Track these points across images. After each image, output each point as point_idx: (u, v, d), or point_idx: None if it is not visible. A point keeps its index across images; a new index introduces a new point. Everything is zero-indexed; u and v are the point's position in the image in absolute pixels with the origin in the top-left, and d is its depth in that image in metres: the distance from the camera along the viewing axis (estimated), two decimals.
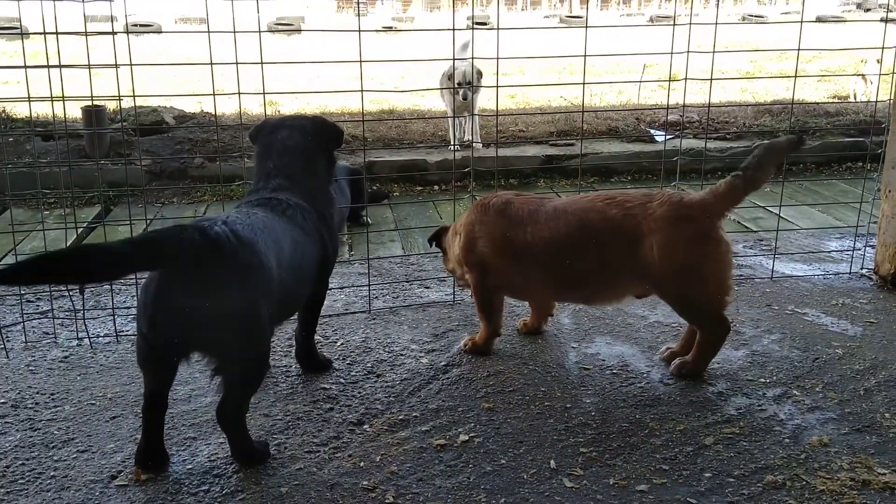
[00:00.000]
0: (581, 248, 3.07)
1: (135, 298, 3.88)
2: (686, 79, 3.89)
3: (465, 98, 6.73)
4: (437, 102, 8.64)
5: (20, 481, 2.50)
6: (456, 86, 6.65)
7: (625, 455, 2.64)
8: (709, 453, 2.65)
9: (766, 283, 4.20)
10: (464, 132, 7.13)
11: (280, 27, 17.62)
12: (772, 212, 5.57)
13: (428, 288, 4.20)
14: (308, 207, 2.89)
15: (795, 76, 4.17)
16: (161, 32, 15.51)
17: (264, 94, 3.65)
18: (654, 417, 2.87)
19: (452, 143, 6.83)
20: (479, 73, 6.90)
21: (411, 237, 5.24)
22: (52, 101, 3.41)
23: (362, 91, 3.73)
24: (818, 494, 2.43)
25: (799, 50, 4.04)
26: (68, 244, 4.61)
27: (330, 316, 3.75)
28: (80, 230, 4.98)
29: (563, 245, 3.09)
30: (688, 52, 3.79)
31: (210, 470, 2.56)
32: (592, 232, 3.05)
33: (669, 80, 4.08)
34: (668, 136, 7.01)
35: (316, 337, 3.30)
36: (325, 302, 3.28)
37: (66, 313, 3.74)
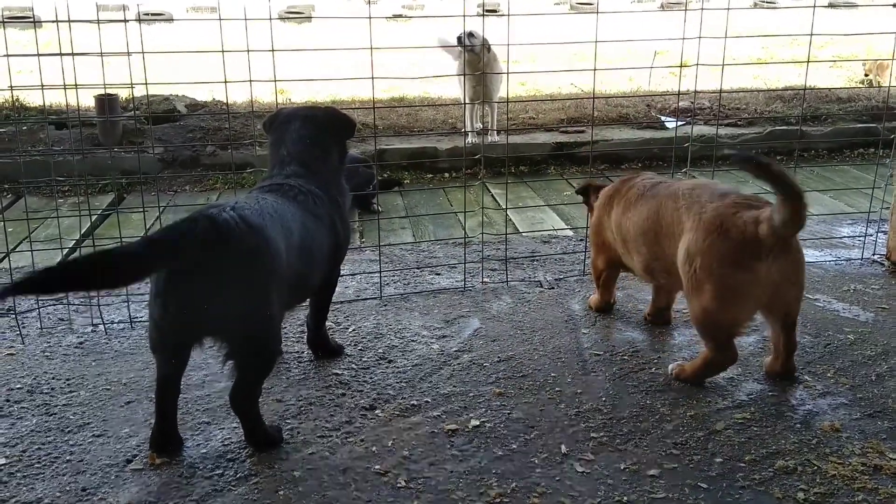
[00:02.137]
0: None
1: (147, 285, 3.90)
2: (697, 64, 3.87)
3: (471, 50, 6.52)
4: (448, 90, 8.63)
5: (36, 465, 2.54)
6: (457, 42, 6.53)
7: (636, 440, 2.65)
8: (720, 438, 2.66)
9: None
10: (481, 120, 7.07)
11: (291, 15, 17.60)
12: None
13: (439, 274, 4.21)
14: (320, 193, 2.90)
15: (808, 61, 4.15)
16: (172, 21, 15.52)
17: (275, 81, 3.65)
18: (664, 403, 2.88)
19: (470, 129, 6.79)
20: (488, 43, 6.73)
21: (422, 224, 5.25)
22: (65, 89, 3.43)
23: (373, 78, 3.73)
24: (830, 479, 2.43)
25: (812, 35, 4.01)
26: (82, 232, 4.65)
27: (341, 302, 3.77)
28: (93, 218, 5.02)
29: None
30: (699, 37, 3.77)
31: (224, 454, 2.58)
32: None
33: (681, 66, 4.06)
34: (679, 123, 6.97)
35: (328, 323, 3.32)
36: (337, 288, 3.30)
37: (81, 300, 3.78)
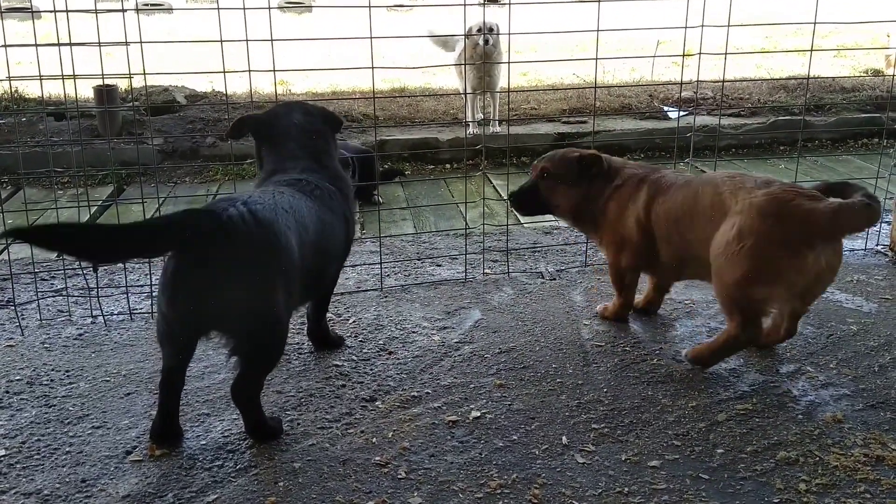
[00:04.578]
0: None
1: (148, 277, 3.90)
2: (700, 53, 3.84)
3: (486, 42, 6.51)
4: (449, 80, 8.59)
5: (36, 457, 2.53)
6: (476, 33, 6.49)
7: (637, 431, 2.64)
8: (721, 429, 2.64)
9: None
10: (483, 111, 7.03)
11: (291, 5, 17.53)
12: None
13: (440, 266, 4.20)
14: (333, 189, 2.90)
15: (812, 50, 4.11)
16: (172, 11, 15.47)
17: (275, 71, 3.63)
18: (666, 394, 2.87)
19: (472, 119, 6.75)
20: (497, 26, 6.69)
21: (423, 216, 5.24)
22: (62, 79, 3.41)
23: (373, 68, 3.70)
24: (832, 470, 2.42)
25: (815, 24, 3.98)
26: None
27: (342, 294, 3.76)
28: (93, 209, 5.01)
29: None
30: (702, 26, 3.74)
31: (224, 445, 2.58)
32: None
33: (683, 56, 4.03)
34: (682, 113, 6.94)
35: (328, 314, 3.31)
36: (338, 280, 3.29)
37: (81, 291, 3.77)
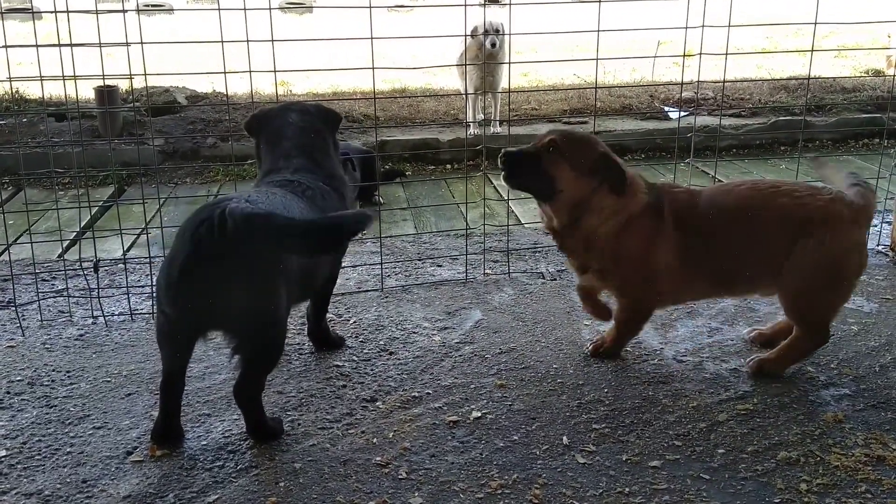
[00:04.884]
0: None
1: (149, 277, 3.90)
2: (701, 53, 3.84)
3: (493, 45, 6.49)
4: (450, 81, 8.59)
5: (37, 458, 2.53)
6: (481, 33, 6.47)
7: (637, 431, 2.64)
8: (722, 430, 2.64)
9: None
10: (484, 111, 7.03)
11: (292, 6, 17.53)
12: None
13: (440, 266, 4.20)
14: (328, 189, 2.90)
15: (812, 51, 4.11)
16: (172, 11, 15.48)
17: (276, 71, 3.63)
18: (667, 394, 2.87)
19: (473, 120, 6.74)
20: (503, 27, 6.67)
21: (423, 216, 5.24)
22: (63, 80, 3.41)
23: (373, 68, 3.71)
24: (832, 470, 2.42)
25: (816, 24, 3.98)
26: (83, 224, 4.64)
27: (342, 294, 3.76)
28: (94, 210, 5.01)
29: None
30: (703, 26, 3.74)
31: (224, 446, 2.58)
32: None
33: (684, 56, 4.03)
34: (682, 114, 6.94)
35: (328, 315, 3.31)
36: (338, 280, 3.29)
37: (81, 292, 3.77)
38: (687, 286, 3.02)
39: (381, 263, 4.01)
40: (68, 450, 2.57)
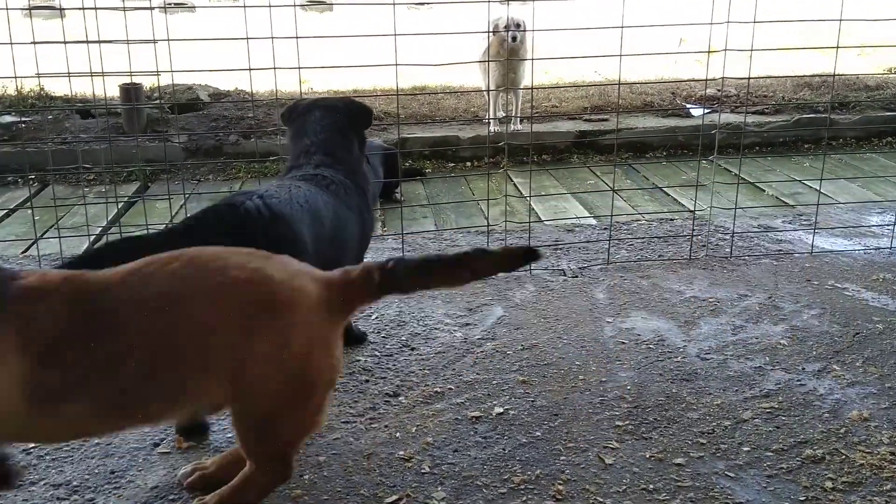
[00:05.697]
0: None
1: None
2: (726, 50, 3.81)
3: (514, 39, 6.49)
4: (469, 78, 8.58)
5: (65, 449, 2.56)
6: (503, 29, 6.48)
7: (661, 429, 2.63)
8: (747, 427, 2.63)
9: (806, 257, 4.13)
10: (506, 108, 7.02)
11: (312, 3, 17.59)
12: (810, 186, 5.47)
13: None
14: (349, 183, 2.92)
15: (837, 48, 4.08)
16: (194, 10, 15.59)
17: (299, 69, 3.65)
18: (690, 392, 2.86)
19: (494, 116, 6.74)
20: (524, 23, 6.66)
21: (443, 213, 5.24)
22: (91, 76, 3.45)
23: (396, 65, 3.72)
24: (857, 468, 2.41)
25: (840, 21, 3.95)
26: (109, 219, 4.69)
27: None
28: (119, 206, 5.06)
29: None
30: (727, 22, 3.72)
31: None
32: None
33: (709, 52, 4.00)
34: (706, 111, 6.90)
35: None
36: None
37: None
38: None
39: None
40: (96, 441, 2.60)
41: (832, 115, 7.05)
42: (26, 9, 3.44)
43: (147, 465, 2.48)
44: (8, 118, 6.46)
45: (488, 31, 5.94)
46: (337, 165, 2.95)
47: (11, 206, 5.22)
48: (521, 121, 6.99)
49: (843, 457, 2.47)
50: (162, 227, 4.47)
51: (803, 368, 3.01)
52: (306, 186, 2.73)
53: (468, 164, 6.62)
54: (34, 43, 3.33)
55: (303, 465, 2.45)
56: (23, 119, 6.46)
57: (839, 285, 3.76)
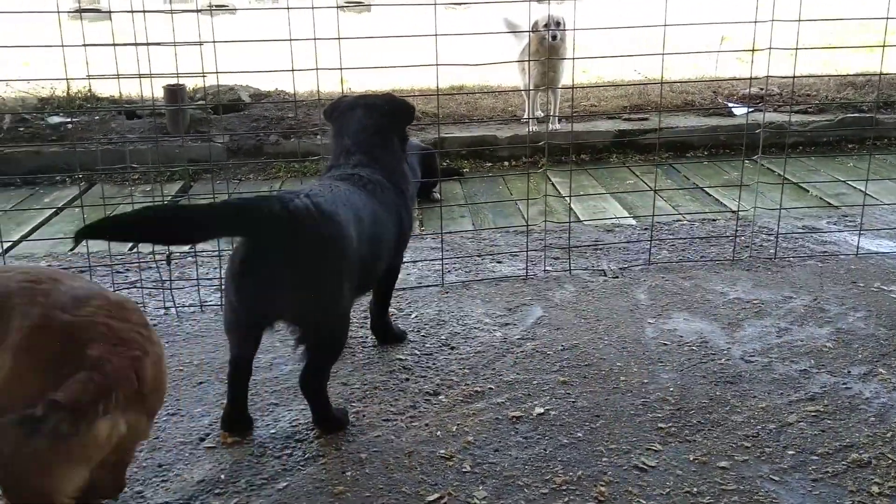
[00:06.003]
0: None
1: (217, 270, 4.00)
2: (770, 48, 3.76)
3: (554, 38, 6.47)
4: (505, 78, 8.57)
5: None
6: (543, 28, 6.48)
7: (705, 431, 2.61)
8: (792, 431, 2.60)
9: (852, 259, 4.06)
10: (546, 107, 7.00)
11: (350, 4, 17.71)
12: (855, 187, 5.38)
13: (500, 262, 4.20)
14: (387, 183, 2.94)
15: (884, 46, 4.00)
16: (235, 12, 15.80)
17: (341, 69, 3.69)
18: (734, 394, 2.83)
19: (531, 116, 6.73)
20: (564, 21, 6.64)
21: (482, 213, 5.24)
22: (139, 78, 3.53)
23: (437, 65, 3.73)
24: None
25: (888, 19, 3.88)
26: None
27: (404, 289, 3.80)
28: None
29: None
30: (772, 20, 3.67)
31: (292, 435, 2.63)
32: None
33: (753, 51, 3.95)
34: (748, 110, 6.80)
35: (390, 309, 3.35)
36: (399, 275, 3.32)
37: (154, 283, 3.89)
38: None
39: (442, 259, 4.04)
40: None
41: (877, 114, 6.91)
42: (75, 11, 3.52)
43: (193, 459, 2.52)
44: (56, 119, 6.62)
45: (530, 30, 5.93)
46: (375, 165, 2.97)
47: (59, 205, 5.35)
48: (560, 120, 6.96)
49: (890, 461, 2.43)
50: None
51: (849, 371, 2.96)
52: (344, 186, 2.76)
53: (506, 163, 6.61)
54: (84, 45, 3.40)
55: (344, 462, 2.48)
56: (71, 119, 6.61)
57: (885, 287, 3.69)
